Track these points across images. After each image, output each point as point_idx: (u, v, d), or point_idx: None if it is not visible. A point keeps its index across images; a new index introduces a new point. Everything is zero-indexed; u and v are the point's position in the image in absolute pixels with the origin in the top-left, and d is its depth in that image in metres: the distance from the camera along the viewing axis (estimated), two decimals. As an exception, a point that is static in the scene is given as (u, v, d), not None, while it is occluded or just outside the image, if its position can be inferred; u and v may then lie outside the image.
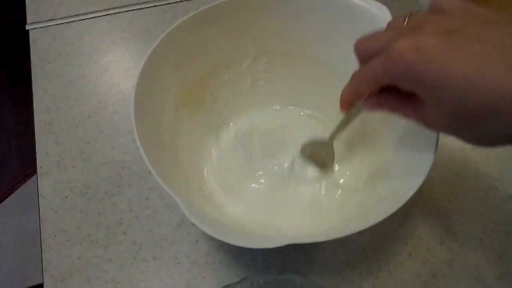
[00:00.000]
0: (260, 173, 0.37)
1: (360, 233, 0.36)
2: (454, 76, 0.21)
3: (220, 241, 0.35)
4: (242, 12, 0.35)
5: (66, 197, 0.38)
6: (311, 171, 0.37)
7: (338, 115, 0.32)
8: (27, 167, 1.16)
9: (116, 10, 0.53)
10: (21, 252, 1.00)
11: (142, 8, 0.53)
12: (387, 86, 0.25)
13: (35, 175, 0.39)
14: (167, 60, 0.33)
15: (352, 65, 0.27)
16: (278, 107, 0.41)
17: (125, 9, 0.53)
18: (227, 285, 0.28)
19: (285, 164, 0.38)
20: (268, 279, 0.28)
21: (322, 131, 0.37)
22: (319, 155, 0.37)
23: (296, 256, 0.35)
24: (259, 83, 0.40)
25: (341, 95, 0.28)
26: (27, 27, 0.51)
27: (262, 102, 0.41)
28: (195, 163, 0.37)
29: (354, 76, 0.26)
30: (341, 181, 0.37)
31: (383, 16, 0.32)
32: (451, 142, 0.40)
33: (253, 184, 0.37)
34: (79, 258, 0.35)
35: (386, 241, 0.36)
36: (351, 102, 0.28)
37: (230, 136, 0.39)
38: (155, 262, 0.35)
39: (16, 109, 1.31)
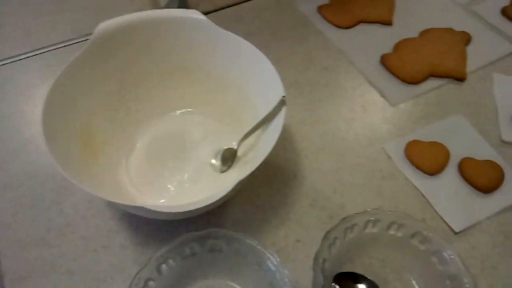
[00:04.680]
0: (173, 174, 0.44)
1: (271, 196, 0.45)
2: None
3: (158, 224, 0.42)
4: (102, 55, 0.41)
5: (17, 213, 0.43)
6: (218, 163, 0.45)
7: (206, 106, 0.44)
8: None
9: (45, 49, 0.59)
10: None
11: (72, 44, 0.59)
12: None
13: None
14: (58, 114, 0.37)
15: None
16: (158, 120, 0.47)
17: (54, 47, 0.59)
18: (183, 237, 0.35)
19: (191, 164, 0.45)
20: (196, 235, 0.36)
21: (196, 121, 0.48)
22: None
23: (217, 221, 0.42)
24: (131, 109, 0.46)
25: None
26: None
27: (142, 122, 0.46)
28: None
29: None
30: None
31: (199, 17, 0.43)
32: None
33: (168, 185, 0.44)
34: (35, 259, 0.40)
35: (292, 198, 0.44)
36: None
37: (137, 158, 0.45)
38: (104, 250, 0.41)
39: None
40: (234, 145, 0.44)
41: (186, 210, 0.31)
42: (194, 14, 0.43)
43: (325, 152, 0.48)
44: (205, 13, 0.64)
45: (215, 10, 0.64)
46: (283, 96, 0.38)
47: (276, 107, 0.38)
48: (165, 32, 0.43)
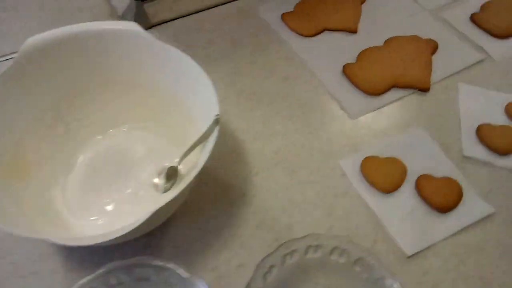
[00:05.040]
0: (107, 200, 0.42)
1: (216, 216, 0.43)
2: None
3: (92, 248, 0.40)
4: (33, 70, 0.39)
5: None
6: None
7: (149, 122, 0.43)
8: None
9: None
10: None
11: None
12: None
13: None
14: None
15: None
16: (100, 136, 0.46)
17: (3, 58, 0.57)
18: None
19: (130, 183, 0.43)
20: (122, 264, 0.33)
21: (139, 137, 0.46)
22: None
23: (157, 243, 0.40)
24: (70, 126, 0.44)
25: None
26: None
27: (82, 139, 0.45)
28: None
29: None
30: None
31: (136, 29, 0.40)
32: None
33: (107, 206, 0.41)
34: (-41, 288, 0.38)
35: (238, 219, 0.42)
36: None
37: (75, 178, 0.43)
38: (34, 276, 0.38)
39: None
40: (176, 162, 0.42)
41: (93, 243, 0.29)
42: (131, 27, 0.40)
43: (278, 168, 0.46)
44: (165, 22, 0.62)
45: (176, 18, 0.62)
46: (217, 115, 0.35)
47: (211, 126, 0.36)
48: (99, 45, 0.41)
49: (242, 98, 0.53)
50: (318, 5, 0.63)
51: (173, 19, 0.61)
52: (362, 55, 0.57)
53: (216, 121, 0.35)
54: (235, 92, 0.53)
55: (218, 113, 0.35)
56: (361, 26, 0.62)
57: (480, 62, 0.57)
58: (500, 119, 0.51)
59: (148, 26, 0.60)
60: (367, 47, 0.58)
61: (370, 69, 0.55)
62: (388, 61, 0.56)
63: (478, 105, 0.52)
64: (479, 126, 0.50)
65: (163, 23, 0.61)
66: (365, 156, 0.46)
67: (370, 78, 0.54)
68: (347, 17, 0.62)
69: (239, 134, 0.49)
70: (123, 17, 0.60)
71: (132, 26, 0.40)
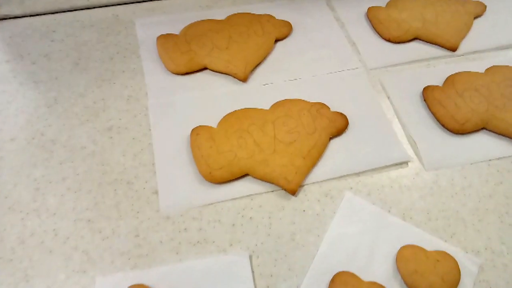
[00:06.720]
0: None
1: None
2: None
3: None
4: None
5: None
6: None
7: None
8: None
9: None
10: None
11: None
12: None
13: None
14: None
15: None
16: None
17: None
18: None
19: None
20: None
21: None
22: None
23: None
24: None
25: None
26: None
27: None
28: None
29: None
30: None
31: None
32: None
33: None
34: None
35: None
36: None
37: None
38: None
39: None
40: None
41: None
42: None
43: (12, 266, 0.31)
44: (9, 17, 0.48)
45: (25, 16, 0.48)
46: None
47: None
48: None
49: (33, 144, 0.38)
50: (208, 33, 0.46)
51: (21, 16, 0.48)
52: (227, 118, 0.40)
53: None
54: (30, 134, 0.39)
55: None
56: (257, 73, 0.45)
57: (401, 165, 0.39)
58: (381, 268, 0.32)
59: (-17, 19, 0.47)
60: (243, 108, 0.41)
61: (221, 145, 0.37)
62: (256, 137, 0.38)
63: (360, 235, 0.34)
64: (339, 273, 0.32)
65: (5, 18, 0.47)
66: (134, 283, 0.31)
67: (215, 159, 0.37)
68: (240, 57, 0.44)
69: (-7, 198, 0.35)
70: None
71: None
